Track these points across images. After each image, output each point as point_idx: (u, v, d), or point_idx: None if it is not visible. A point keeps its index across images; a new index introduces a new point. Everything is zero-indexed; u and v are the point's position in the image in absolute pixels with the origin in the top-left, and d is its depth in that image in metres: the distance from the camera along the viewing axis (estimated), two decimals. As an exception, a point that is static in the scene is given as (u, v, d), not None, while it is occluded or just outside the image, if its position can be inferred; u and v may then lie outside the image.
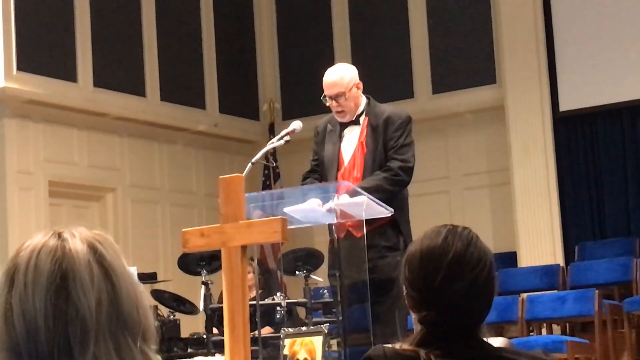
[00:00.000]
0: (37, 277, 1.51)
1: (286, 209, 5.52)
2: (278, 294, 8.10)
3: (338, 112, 5.93)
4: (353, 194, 5.46)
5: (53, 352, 1.49)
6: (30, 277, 1.51)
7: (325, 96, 5.91)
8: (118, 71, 11.43)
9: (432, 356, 2.15)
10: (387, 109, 6.05)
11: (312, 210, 5.52)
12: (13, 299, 1.51)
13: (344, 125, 5.99)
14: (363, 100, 6.00)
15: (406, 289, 2.28)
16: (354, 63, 6.27)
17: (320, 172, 6.03)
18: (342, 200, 5.45)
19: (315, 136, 6.12)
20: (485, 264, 2.25)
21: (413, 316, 2.28)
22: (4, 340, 1.51)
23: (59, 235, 1.55)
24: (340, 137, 5.98)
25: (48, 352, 1.49)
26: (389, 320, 5.67)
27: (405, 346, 2.21)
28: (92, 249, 1.54)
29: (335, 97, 5.87)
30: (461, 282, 2.21)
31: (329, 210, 5.48)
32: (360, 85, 5.97)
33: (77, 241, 1.54)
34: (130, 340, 1.52)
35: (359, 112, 5.97)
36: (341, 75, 5.95)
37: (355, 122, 5.97)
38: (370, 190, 5.55)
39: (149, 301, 1.59)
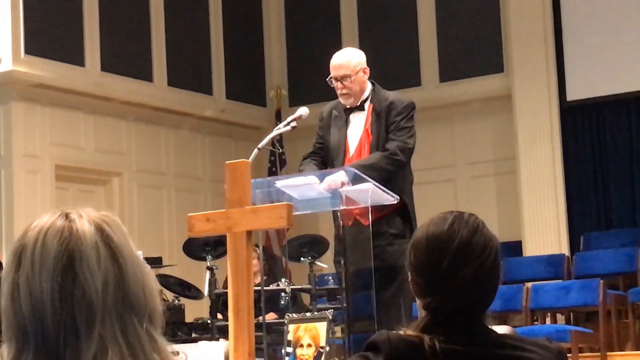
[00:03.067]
0: (44, 257, 1.51)
1: (278, 183, 5.55)
2: (283, 280, 8.10)
3: (342, 95, 5.93)
4: (357, 179, 5.46)
5: (59, 333, 1.50)
6: (37, 258, 1.51)
7: (331, 78, 5.93)
8: (125, 56, 11.43)
9: (436, 342, 2.15)
10: (392, 94, 6.05)
11: (305, 186, 5.53)
12: (20, 279, 1.52)
13: (349, 112, 5.99)
14: (369, 86, 6.00)
15: (411, 274, 2.28)
16: (361, 50, 6.26)
17: (326, 157, 6.03)
18: (337, 178, 5.47)
19: (320, 121, 6.13)
20: (491, 251, 2.25)
21: (418, 302, 2.29)
22: (11, 320, 1.52)
23: (67, 216, 1.55)
24: (346, 124, 5.99)
25: (54, 332, 1.50)
26: (393, 307, 5.68)
27: (410, 332, 2.21)
28: (100, 230, 1.54)
29: (341, 79, 5.88)
30: (467, 269, 2.21)
31: (328, 190, 5.49)
32: (367, 71, 5.97)
33: (84, 222, 1.54)
34: (136, 322, 1.52)
35: (364, 97, 5.97)
36: (349, 58, 5.98)
37: (360, 108, 5.98)
38: (366, 168, 5.56)
39: (155, 284, 1.59)
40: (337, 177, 5.52)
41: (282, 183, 5.57)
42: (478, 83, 11.92)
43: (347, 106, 6.00)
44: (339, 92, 5.93)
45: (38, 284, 1.50)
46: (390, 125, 5.86)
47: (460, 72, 12.09)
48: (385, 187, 5.49)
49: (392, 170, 5.75)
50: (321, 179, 5.54)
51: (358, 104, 5.98)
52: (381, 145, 5.85)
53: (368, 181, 5.43)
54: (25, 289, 1.51)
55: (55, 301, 1.50)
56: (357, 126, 5.98)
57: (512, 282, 9.39)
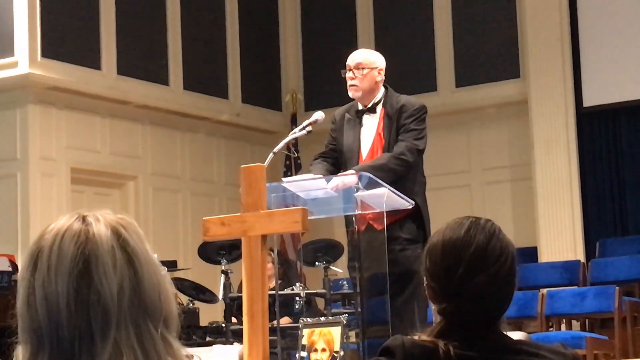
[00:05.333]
0: (60, 261, 1.51)
1: (285, 182, 5.58)
2: (297, 284, 8.09)
3: (351, 86, 5.94)
4: (371, 184, 5.46)
5: (74, 337, 1.50)
6: (53, 261, 1.51)
7: (345, 70, 5.96)
8: (141, 59, 11.46)
9: (450, 347, 2.15)
10: (404, 98, 6.06)
11: (312, 184, 5.54)
12: (36, 282, 1.52)
13: (362, 114, 6.00)
14: (381, 89, 6.01)
15: (427, 280, 2.28)
16: (377, 55, 6.28)
17: (339, 160, 6.04)
18: (346, 180, 5.48)
19: (333, 123, 6.15)
20: (507, 257, 2.24)
21: (433, 307, 2.28)
22: (27, 322, 1.52)
23: (84, 219, 1.56)
24: (359, 127, 6.00)
25: (69, 336, 1.50)
26: (407, 312, 5.67)
27: (424, 337, 2.20)
28: (116, 234, 1.54)
29: (354, 67, 5.91)
30: (482, 275, 2.20)
31: (335, 190, 5.50)
32: (382, 73, 5.99)
33: (101, 226, 1.54)
34: (151, 327, 1.52)
35: (375, 100, 5.98)
36: (368, 53, 6.13)
37: (373, 111, 5.99)
38: (374, 169, 5.57)
39: (171, 287, 1.59)
40: (346, 178, 5.52)
41: (289, 182, 5.60)
42: (494, 89, 11.90)
43: (360, 108, 6.00)
44: (349, 83, 5.95)
45: (54, 288, 1.50)
46: (401, 127, 5.88)
47: (476, 77, 12.07)
48: (394, 188, 5.49)
49: (400, 171, 5.75)
50: (329, 180, 5.56)
51: (369, 105, 5.99)
52: (392, 148, 5.86)
53: (383, 186, 5.43)
54: (40, 293, 1.51)
55: (70, 305, 1.50)
56: (370, 130, 5.99)
57: (527, 288, 9.36)
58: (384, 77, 6.02)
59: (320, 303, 8.52)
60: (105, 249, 1.52)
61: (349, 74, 5.96)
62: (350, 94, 5.99)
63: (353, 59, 6.01)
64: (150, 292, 1.53)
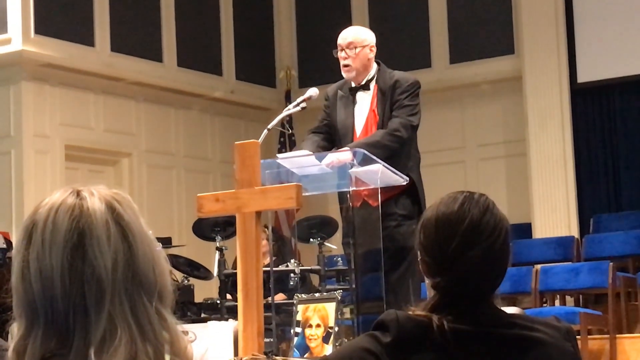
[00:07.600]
0: (54, 235, 1.52)
1: (280, 157, 5.60)
2: (292, 261, 8.11)
3: (345, 66, 5.94)
4: (365, 160, 5.46)
5: (69, 310, 1.50)
6: (47, 235, 1.52)
7: (336, 50, 5.96)
8: (135, 36, 11.42)
9: (444, 322, 2.15)
10: (397, 74, 6.06)
11: (306, 160, 5.55)
12: (30, 256, 1.52)
13: (355, 91, 5.99)
14: (374, 66, 6.01)
15: (421, 254, 2.28)
16: (371, 31, 6.27)
17: (334, 137, 6.04)
18: (341, 157, 5.48)
19: (326, 100, 6.15)
20: (500, 232, 2.25)
21: (427, 283, 2.29)
22: (21, 296, 1.52)
23: (78, 194, 1.56)
24: (353, 104, 6.00)
25: (64, 310, 1.50)
26: (402, 288, 5.69)
27: (419, 311, 2.21)
28: (110, 208, 1.55)
29: (346, 47, 5.91)
30: (476, 250, 2.21)
31: (330, 167, 5.50)
32: (374, 50, 5.99)
33: (95, 200, 1.55)
34: (145, 300, 1.53)
35: (369, 77, 5.98)
36: (358, 31, 6.11)
37: (366, 87, 5.98)
38: (369, 146, 5.57)
39: (166, 262, 1.59)
40: (341, 154, 5.53)
41: (284, 158, 5.61)
42: (488, 64, 11.88)
43: (353, 85, 6.00)
44: (342, 63, 5.95)
45: (48, 262, 1.51)
46: (395, 103, 5.88)
47: (470, 53, 12.05)
48: (389, 164, 5.49)
49: (395, 148, 5.76)
50: (323, 157, 5.56)
51: (363, 82, 5.98)
52: (386, 124, 5.86)
53: (377, 162, 5.43)
54: (35, 266, 1.51)
55: (64, 279, 1.50)
56: (364, 106, 5.98)
57: (521, 264, 9.38)
58: (375, 52, 6.02)
59: (315, 279, 8.54)
60: (99, 222, 1.52)
61: (341, 54, 5.95)
62: (345, 75, 5.98)
63: (344, 38, 5.99)
64: (144, 266, 1.54)
